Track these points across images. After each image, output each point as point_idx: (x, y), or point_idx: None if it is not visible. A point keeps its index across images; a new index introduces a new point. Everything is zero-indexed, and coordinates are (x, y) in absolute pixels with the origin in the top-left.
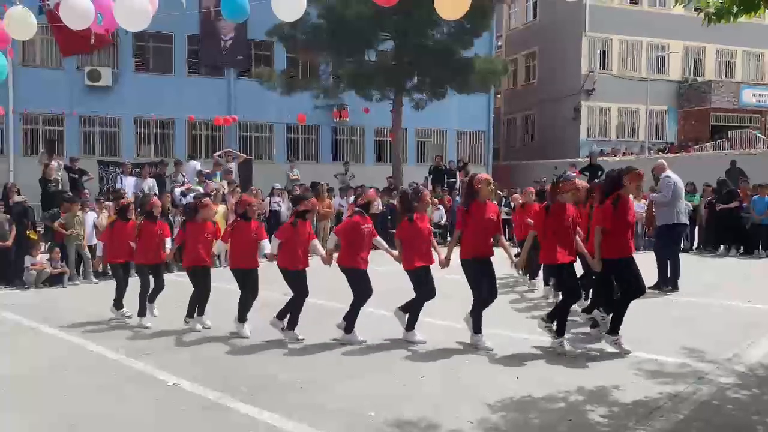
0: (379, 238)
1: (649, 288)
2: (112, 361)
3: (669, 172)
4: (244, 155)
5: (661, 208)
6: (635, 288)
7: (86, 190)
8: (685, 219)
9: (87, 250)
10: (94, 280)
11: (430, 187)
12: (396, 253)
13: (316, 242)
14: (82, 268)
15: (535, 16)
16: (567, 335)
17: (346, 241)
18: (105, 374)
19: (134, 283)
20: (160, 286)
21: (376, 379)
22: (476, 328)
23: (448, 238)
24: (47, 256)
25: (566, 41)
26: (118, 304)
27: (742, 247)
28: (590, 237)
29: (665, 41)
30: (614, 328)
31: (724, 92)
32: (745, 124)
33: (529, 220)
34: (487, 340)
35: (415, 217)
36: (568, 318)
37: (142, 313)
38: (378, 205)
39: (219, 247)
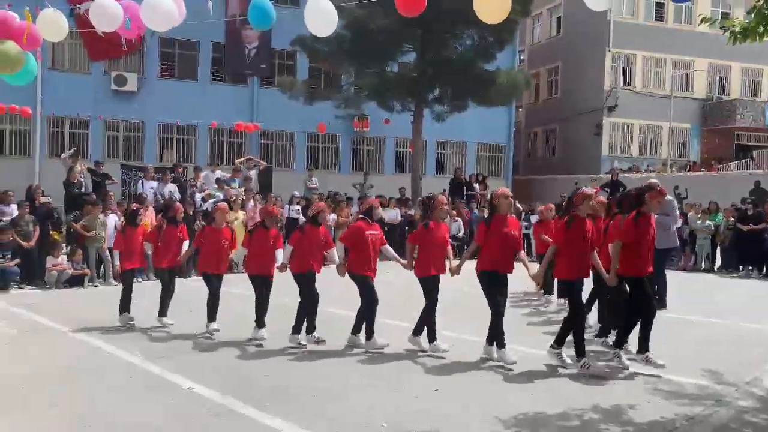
0: (387, 246)
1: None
2: (128, 364)
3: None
4: (265, 163)
5: (662, 231)
6: (648, 308)
7: (111, 192)
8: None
9: (108, 252)
10: (114, 282)
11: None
12: (404, 261)
13: (334, 251)
14: (102, 270)
15: (558, 30)
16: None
17: (352, 248)
18: (120, 376)
19: (140, 287)
20: (172, 289)
21: (389, 390)
22: (499, 344)
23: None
24: (68, 257)
25: (589, 56)
26: (124, 309)
27: (765, 269)
28: (603, 251)
29: (690, 59)
30: (619, 342)
31: (749, 111)
32: None
33: (546, 237)
34: (512, 354)
35: (432, 225)
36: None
37: (163, 313)
38: (396, 215)
39: (239, 253)
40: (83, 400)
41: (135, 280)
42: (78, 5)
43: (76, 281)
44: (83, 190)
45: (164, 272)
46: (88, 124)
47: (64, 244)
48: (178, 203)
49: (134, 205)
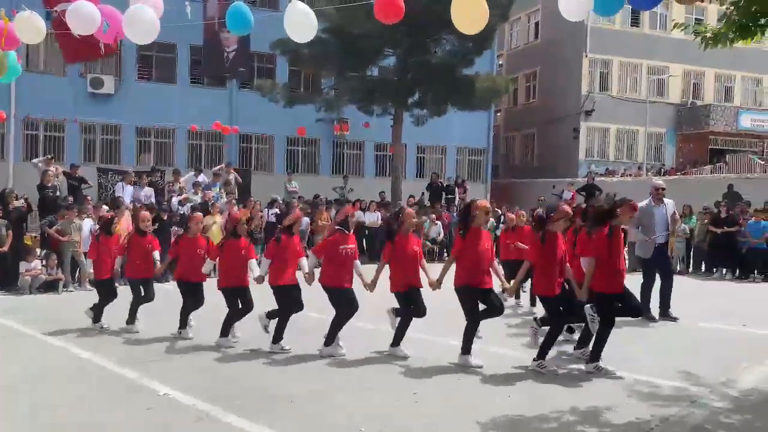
0: (357, 262)
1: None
2: (104, 370)
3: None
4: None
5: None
6: (610, 321)
7: (89, 197)
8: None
9: (83, 257)
10: (89, 287)
11: (427, 203)
12: (368, 281)
13: (304, 260)
14: (77, 274)
15: (536, 35)
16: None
17: (327, 260)
18: (96, 382)
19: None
20: (150, 298)
21: (368, 394)
22: (466, 349)
23: (445, 255)
24: (43, 262)
25: (567, 62)
26: (98, 317)
27: (737, 271)
28: (573, 264)
29: (665, 64)
30: (596, 356)
31: (723, 116)
32: (743, 148)
33: (520, 244)
34: (477, 358)
35: (399, 239)
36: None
37: (131, 321)
38: (377, 219)
39: (207, 266)
40: (59, 407)
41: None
42: (54, 8)
43: (50, 286)
44: (58, 193)
45: (136, 282)
46: (64, 127)
47: (38, 249)
48: (144, 212)
49: (108, 213)
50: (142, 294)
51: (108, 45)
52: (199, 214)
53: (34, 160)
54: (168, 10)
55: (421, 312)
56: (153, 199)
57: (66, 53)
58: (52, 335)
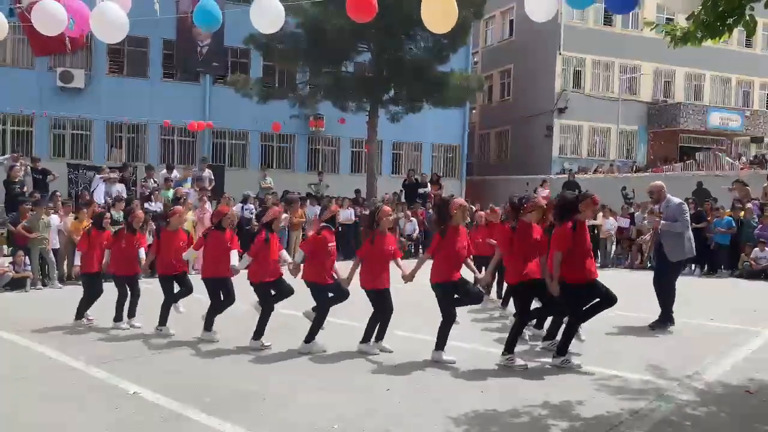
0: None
1: (651, 325)
2: (72, 369)
3: (670, 196)
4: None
5: (673, 238)
6: (583, 314)
7: (58, 192)
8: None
9: (51, 254)
10: (58, 285)
11: (403, 200)
12: (344, 278)
13: (284, 252)
14: (47, 271)
15: (511, 33)
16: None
17: (311, 256)
18: (64, 382)
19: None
20: (136, 294)
21: (341, 391)
22: (440, 345)
23: (421, 251)
24: (9, 259)
25: (541, 59)
26: (81, 313)
27: (706, 266)
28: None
29: (637, 63)
30: (563, 349)
31: (693, 114)
32: (712, 146)
33: (492, 240)
34: (449, 353)
35: (377, 237)
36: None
37: (118, 318)
38: (351, 216)
39: (189, 254)
40: (23, 408)
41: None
42: (18, 4)
43: (18, 284)
44: (24, 189)
45: (121, 279)
46: (33, 122)
47: (4, 246)
48: (138, 211)
49: (99, 208)
50: (128, 291)
51: (74, 40)
52: (180, 207)
53: (0, 158)
54: (140, 3)
55: (387, 312)
56: (124, 195)
57: (34, 47)
58: (20, 334)
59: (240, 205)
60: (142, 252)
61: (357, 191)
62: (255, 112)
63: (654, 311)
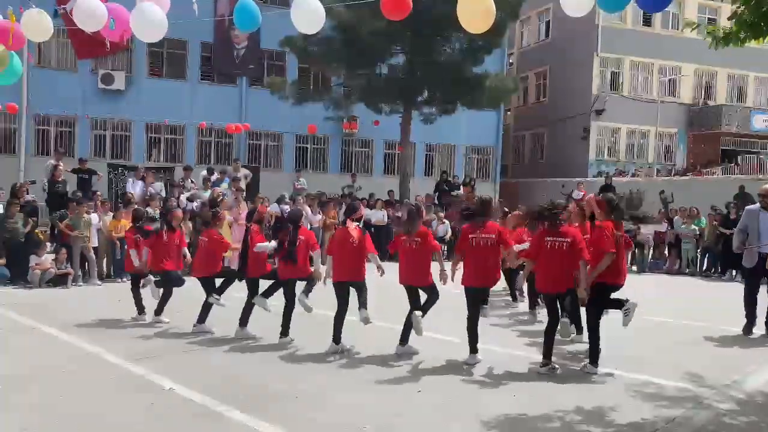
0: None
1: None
2: (110, 364)
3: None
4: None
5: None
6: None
7: (98, 192)
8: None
9: (92, 252)
10: (98, 282)
11: (436, 201)
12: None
13: (318, 253)
14: (86, 268)
15: (547, 34)
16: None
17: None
18: (102, 377)
19: (125, 287)
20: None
21: (372, 392)
22: (473, 348)
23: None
24: (53, 256)
25: (578, 61)
26: (161, 310)
27: None
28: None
29: (677, 64)
30: (594, 357)
31: (735, 117)
32: (755, 150)
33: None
34: (478, 355)
35: (413, 237)
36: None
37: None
38: (383, 217)
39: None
40: (65, 401)
41: (121, 280)
42: (63, 5)
43: (60, 281)
44: (66, 188)
45: (168, 275)
46: (75, 123)
47: (48, 243)
48: (177, 210)
49: (175, 213)
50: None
51: (115, 42)
52: (179, 210)
53: (46, 164)
54: (178, 7)
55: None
56: (163, 194)
57: (78, 49)
58: (61, 329)
59: (275, 204)
60: (186, 251)
61: (390, 192)
62: (290, 114)
63: (691, 316)
